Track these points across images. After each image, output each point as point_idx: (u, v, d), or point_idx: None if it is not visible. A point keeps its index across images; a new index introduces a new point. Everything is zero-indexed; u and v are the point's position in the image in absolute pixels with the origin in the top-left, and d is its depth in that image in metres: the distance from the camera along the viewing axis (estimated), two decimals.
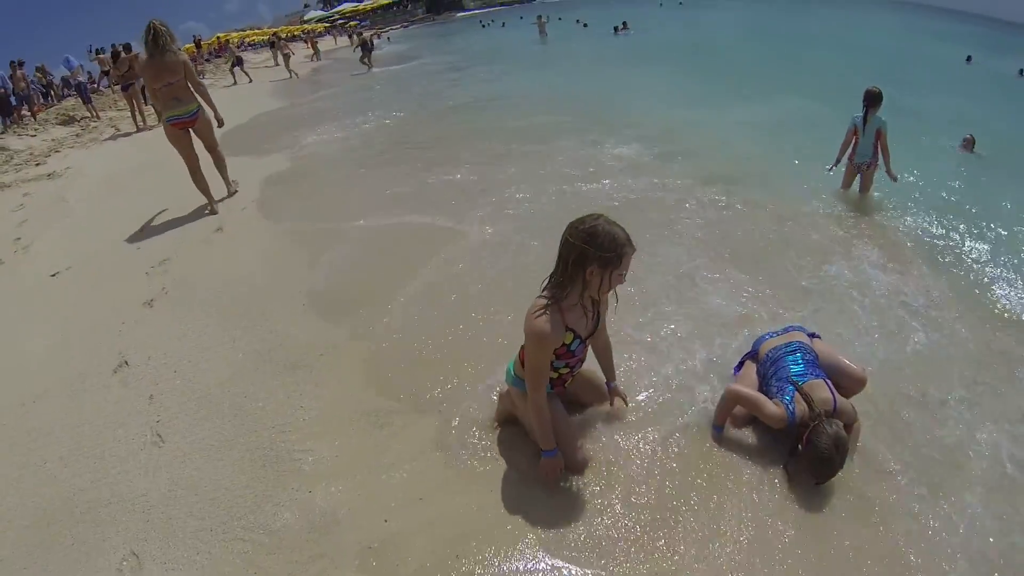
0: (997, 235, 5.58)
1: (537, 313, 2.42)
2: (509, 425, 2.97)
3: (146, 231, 6.10)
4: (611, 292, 2.51)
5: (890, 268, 4.75)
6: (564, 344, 2.54)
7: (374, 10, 77.26)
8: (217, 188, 6.75)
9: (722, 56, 20.04)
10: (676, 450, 2.84)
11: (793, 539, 2.41)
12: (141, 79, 12.20)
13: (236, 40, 43.17)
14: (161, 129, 6.51)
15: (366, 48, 22.11)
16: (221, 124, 6.53)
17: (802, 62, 18.16)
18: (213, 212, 6.41)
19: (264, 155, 8.98)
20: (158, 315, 4.34)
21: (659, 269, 4.58)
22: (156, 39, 5.82)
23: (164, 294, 4.62)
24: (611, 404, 3.02)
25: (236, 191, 7.04)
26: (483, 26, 48.47)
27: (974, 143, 8.97)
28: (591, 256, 2.34)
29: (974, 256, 5.11)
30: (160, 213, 6.57)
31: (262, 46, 40.18)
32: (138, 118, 12.65)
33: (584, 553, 2.34)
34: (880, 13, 42.46)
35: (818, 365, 2.94)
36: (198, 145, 6.42)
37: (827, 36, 27.38)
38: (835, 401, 2.74)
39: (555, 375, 2.69)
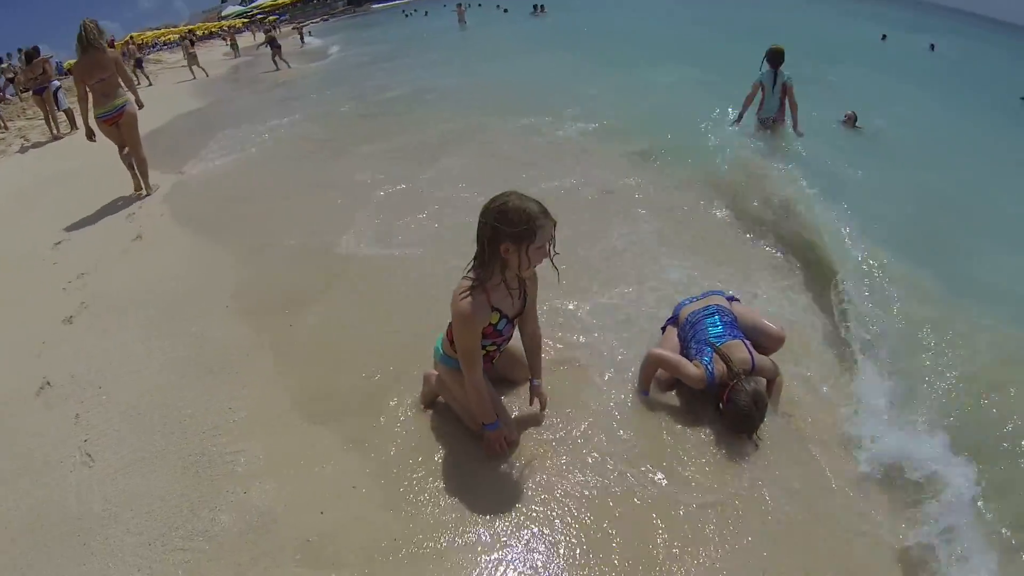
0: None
1: (462, 295, 2.45)
2: (439, 410, 3.02)
3: (62, 245, 5.87)
4: (543, 267, 2.55)
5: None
6: (491, 324, 2.58)
7: (293, 3, 75.09)
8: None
9: (632, 36, 20.65)
10: (607, 420, 2.95)
11: (732, 498, 2.53)
12: (55, 83, 11.71)
13: (149, 39, 41.42)
14: (75, 136, 7.15)
15: (274, 45, 21.40)
16: (141, 107, 6.95)
17: (708, 41, 18.78)
18: (139, 190, 7.01)
19: (182, 158, 8.72)
20: (79, 331, 4.21)
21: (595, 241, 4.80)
22: (89, 37, 6.27)
23: (84, 309, 4.48)
24: (530, 403, 2.96)
25: (152, 193, 7.12)
26: (406, 16, 48.09)
27: (855, 119, 9.36)
28: (503, 233, 2.35)
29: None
30: (76, 225, 6.33)
31: (178, 45, 38.66)
32: (52, 125, 12.03)
33: (522, 534, 2.41)
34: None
35: (736, 326, 3.08)
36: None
37: (743, 18, 28.24)
38: (753, 360, 2.88)
39: (483, 352, 2.69)
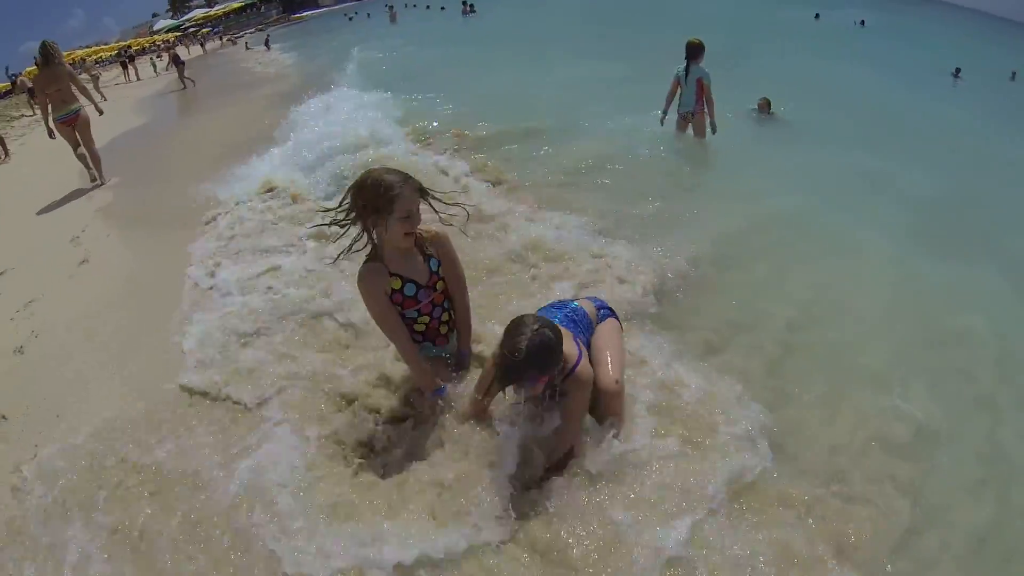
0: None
1: (361, 267, 2.60)
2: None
3: (7, 274, 5.64)
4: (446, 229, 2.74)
5: None
6: (394, 289, 2.64)
7: (227, 15, 73.59)
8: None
9: (565, 32, 21.21)
10: None
11: None
12: None
13: (81, 57, 40.04)
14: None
15: (178, 62, 21.22)
16: (101, 113, 8.37)
17: (650, 35, 18.76)
18: (94, 180, 8.12)
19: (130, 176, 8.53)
20: (30, 361, 4.07)
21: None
22: (49, 54, 7.57)
23: (34, 338, 4.33)
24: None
25: (105, 182, 8.15)
26: (349, 19, 47.93)
27: (770, 105, 9.21)
28: (363, 207, 2.47)
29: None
30: (21, 251, 6.12)
31: (111, 62, 37.64)
32: None
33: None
34: None
35: (581, 328, 2.72)
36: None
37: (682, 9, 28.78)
38: (578, 360, 2.46)
39: (420, 327, 2.80)
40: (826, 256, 4.73)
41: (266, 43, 33.33)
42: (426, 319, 2.79)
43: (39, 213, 7.16)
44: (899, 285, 4.34)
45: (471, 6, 32.44)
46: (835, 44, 22.01)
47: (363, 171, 2.56)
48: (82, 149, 8.07)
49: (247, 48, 35.50)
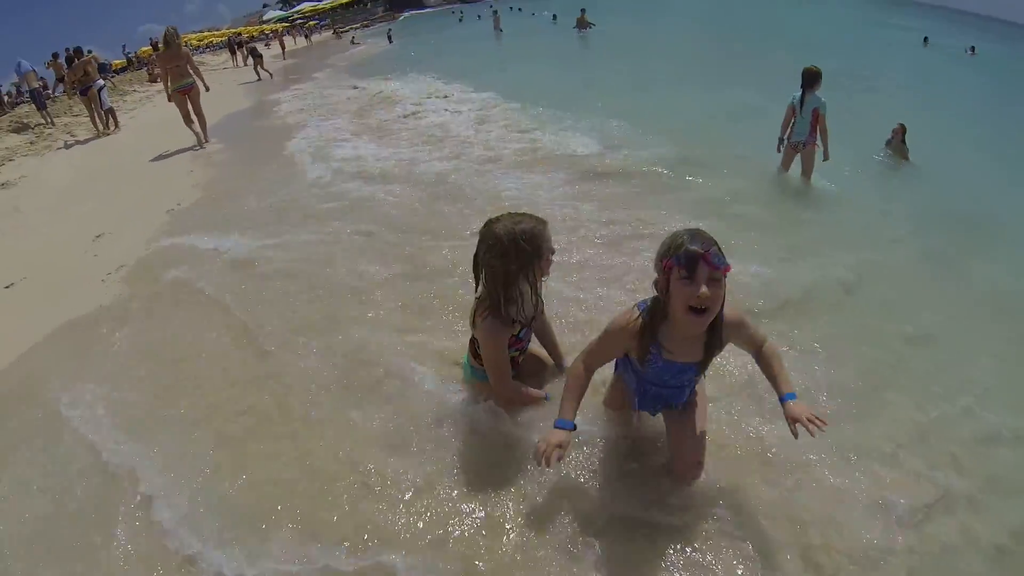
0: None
1: (483, 316, 2.52)
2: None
3: (104, 239, 6.01)
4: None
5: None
6: (513, 335, 2.62)
7: (333, 9, 76.31)
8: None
9: (689, 50, 20.25)
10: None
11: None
12: (99, 82, 12.08)
13: (194, 42, 42.48)
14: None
15: (255, 55, 22.05)
16: (207, 89, 10.10)
17: (764, 55, 18.23)
18: (200, 145, 9.83)
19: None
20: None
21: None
22: (171, 38, 9.52)
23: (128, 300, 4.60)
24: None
25: (208, 143, 10.01)
26: (460, 20, 48.53)
27: (904, 133, 8.31)
28: (515, 269, 2.42)
29: None
30: (119, 220, 6.48)
31: (220, 47, 39.68)
32: (98, 123, 12.41)
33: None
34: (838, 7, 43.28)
35: None
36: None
37: (789, 29, 27.85)
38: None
39: (514, 354, 2.76)
40: None
41: (388, 37, 34.94)
42: (516, 352, 2.76)
43: (139, 184, 7.62)
44: None
45: (589, 22, 27.22)
46: (943, 72, 20.95)
47: (486, 227, 2.48)
48: (193, 118, 9.89)
49: (353, 42, 35.91)
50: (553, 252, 2.54)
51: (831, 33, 27.73)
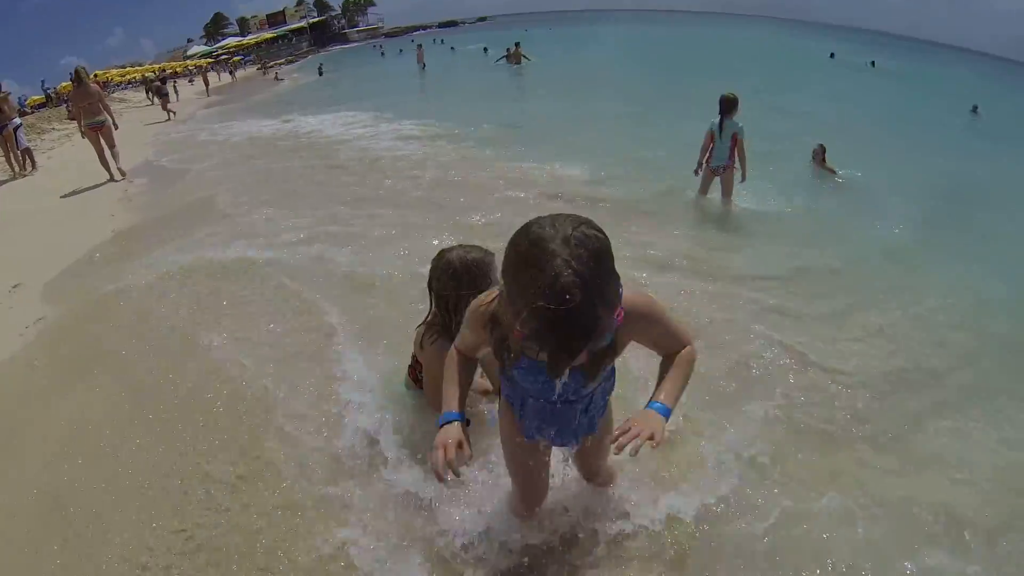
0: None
1: (431, 338, 2.65)
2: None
3: (21, 290, 5.62)
4: None
5: None
6: None
7: (258, 44, 75.59)
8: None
9: (613, 82, 20.86)
10: None
11: None
12: (15, 121, 11.57)
13: (115, 77, 41.30)
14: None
15: (161, 94, 21.35)
16: (117, 127, 10.39)
17: (688, 83, 19.00)
18: (115, 179, 10.07)
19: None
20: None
21: None
22: (81, 76, 9.97)
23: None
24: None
25: (125, 176, 10.22)
26: (382, 55, 48.96)
27: (824, 153, 8.97)
28: (466, 295, 2.43)
29: None
30: (36, 269, 6.11)
31: (142, 83, 38.62)
32: (14, 163, 11.69)
33: None
34: (743, 28, 46.33)
35: None
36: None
37: (710, 56, 29.38)
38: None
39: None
40: None
41: (319, 71, 35.41)
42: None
43: (58, 228, 7.34)
44: None
45: (524, 55, 26.37)
46: (851, 83, 23.10)
47: (437, 257, 2.60)
48: (106, 154, 10.12)
49: (276, 79, 35.79)
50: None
51: (750, 56, 29.92)
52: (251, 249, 5.91)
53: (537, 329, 1.29)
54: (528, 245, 1.30)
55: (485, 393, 3.07)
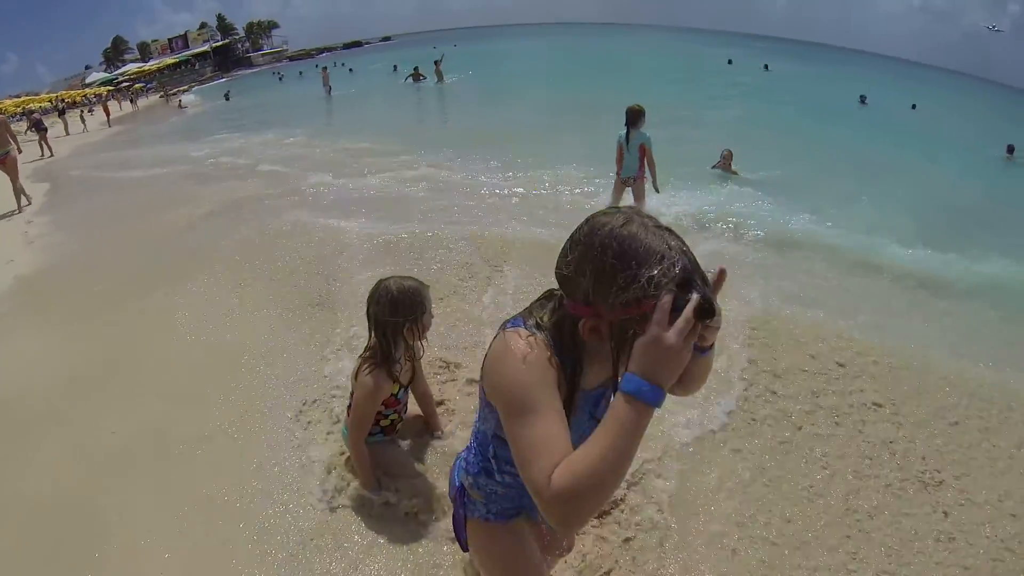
0: None
1: (366, 370, 2.62)
2: None
3: None
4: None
5: None
6: (392, 394, 2.75)
7: (160, 71, 73.00)
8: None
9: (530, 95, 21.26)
10: None
11: None
12: None
13: (11, 107, 38.82)
14: None
15: (40, 128, 18.63)
16: (20, 152, 10.37)
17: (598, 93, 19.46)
18: (24, 206, 9.76)
19: None
20: None
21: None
22: None
23: None
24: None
25: (28, 205, 9.95)
26: (280, 79, 46.86)
27: (732, 159, 9.58)
28: (402, 320, 2.58)
29: None
30: None
31: (46, 112, 36.16)
32: None
33: None
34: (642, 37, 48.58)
35: None
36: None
37: (617, 69, 30.42)
38: None
39: (387, 422, 2.87)
40: None
41: (226, 96, 33.77)
42: (395, 415, 2.89)
43: None
44: None
45: (416, 70, 26.82)
46: (750, 86, 24.78)
47: (375, 289, 2.63)
48: (18, 186, 9.82)
49: (180, 107, 34.23)
50: (432, 316, 2.71)
51: (654, 65, 31.43)
52: None
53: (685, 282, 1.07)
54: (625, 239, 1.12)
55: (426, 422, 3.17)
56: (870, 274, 5.88)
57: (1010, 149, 15.51)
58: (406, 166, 10.28)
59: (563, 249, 1.22)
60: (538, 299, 1.36)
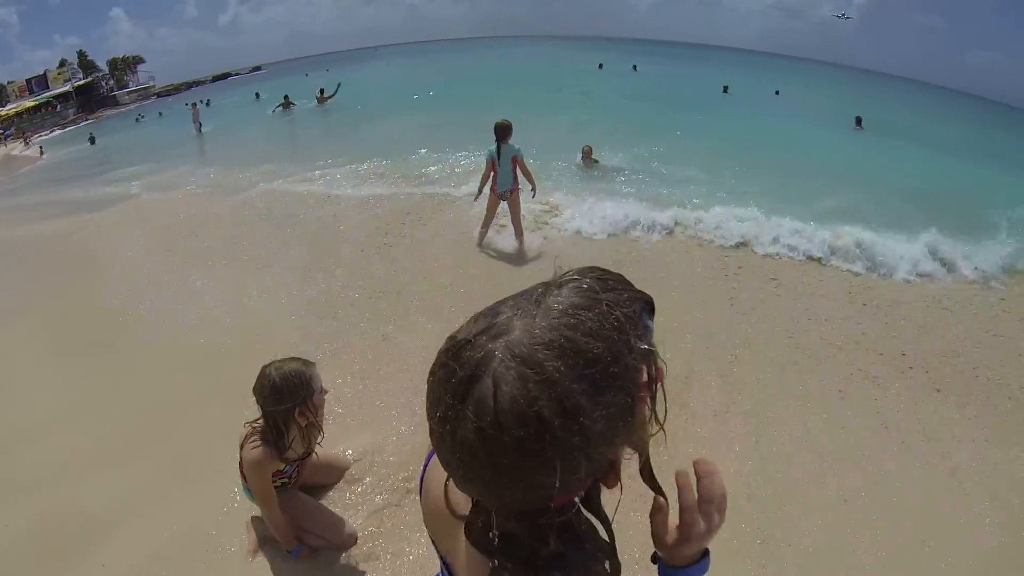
0: None
1: (252, 443, 2.55)
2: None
3: None
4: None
5: None
6: (278, 469, 2.70)
7: (19, 115, 67.82)
8: None
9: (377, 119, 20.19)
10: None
11: None
12: None
13: None
14: None
15: None
16: None
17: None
18: None
19: None
20: None
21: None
22: None
23: None
24: None
25: None
26: (137, 120, 41.51)
27: (592, 152, 10.50)
28: (291, 407, 2.52)
29: None
30: None
31: None
32: None
33: None
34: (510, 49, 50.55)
35: None
36: None
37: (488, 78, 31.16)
38: None
39: (279, 484, 2.80)
40: None
41: (91, 139, 31.10)
42: (286, 481, 2.86)
43: None
44: None
45: (326, 94, 25.12)
46: (621, 87, 26.55)
47: (258, 377, 2.55)
48: None
49: (41, 154, 31.42)
50: (325, 391, 2.66)
51: (528, 74, 32.99)
52: None
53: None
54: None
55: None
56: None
57: (858, 121, 18.54)
58: None
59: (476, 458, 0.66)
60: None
